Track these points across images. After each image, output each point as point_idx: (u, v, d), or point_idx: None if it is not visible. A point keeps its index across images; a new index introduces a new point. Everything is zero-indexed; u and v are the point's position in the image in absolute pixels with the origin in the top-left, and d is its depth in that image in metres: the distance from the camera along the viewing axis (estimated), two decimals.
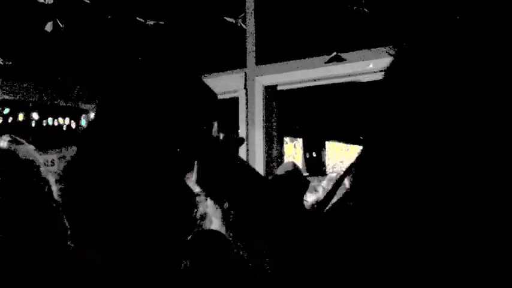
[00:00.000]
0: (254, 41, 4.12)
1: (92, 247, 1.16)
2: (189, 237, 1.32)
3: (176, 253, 1.25)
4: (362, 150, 0.87)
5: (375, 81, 3.81)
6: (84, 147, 1.21)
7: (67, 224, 1.02)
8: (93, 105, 1.29)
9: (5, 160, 0.75)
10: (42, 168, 0.77)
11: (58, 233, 0.80)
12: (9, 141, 0.78)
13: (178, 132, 1.14)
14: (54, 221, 0.79)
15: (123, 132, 1.24)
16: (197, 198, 1.51)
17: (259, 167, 3.94)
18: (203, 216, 3.48)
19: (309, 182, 3.25)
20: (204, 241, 1.38)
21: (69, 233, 1.06)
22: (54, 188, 0.79)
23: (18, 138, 0.79)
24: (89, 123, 1.29)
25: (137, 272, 1.16)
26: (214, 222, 3.58)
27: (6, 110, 5.21)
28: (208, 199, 3.15)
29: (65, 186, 1.15)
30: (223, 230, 3.30)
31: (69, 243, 0.98)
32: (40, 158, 0.79)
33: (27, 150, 0.78)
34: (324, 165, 8.00)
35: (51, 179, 0.79)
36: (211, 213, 3.52)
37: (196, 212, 1.41)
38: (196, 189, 1.36)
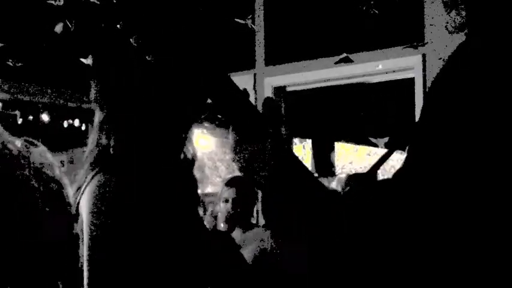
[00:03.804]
0: (263, 42, 4.13)
1: (103, 249, 1.16)
2: (202, 237, 1.33)
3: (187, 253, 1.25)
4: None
5: (383, 82, 3.80)
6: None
7: (78, 228, 1.02)
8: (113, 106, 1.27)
9: (20, 162, 0.75)
10: (57, 171, 0.78)
11: (70, 237, 0.81)
12: (24, 143, 0.79)
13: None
14: (69, 224, 0.80)
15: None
16: (211, 199, 1.51)
17: None
18: (216, 216, 3.46)
19: None
20: (215, 244, 1.38)
21: (80, 237, 1.06)
22: (70, 192, 0.80)
23: (33, 140, 0.79)
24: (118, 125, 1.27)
25: (148, 272, 1.16)
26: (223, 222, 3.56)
27: (16, 111, 5.23)
28: (221, 202, 3.12)
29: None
30: (238, 231, 3.25)
31: (80, 247, 0.98)
32: (55, 161, 0.79)
33: (41, 151, 0.78)
34: (333, 166, 7.98)
35: (66, 182, 0.79)
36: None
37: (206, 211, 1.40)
38: (208, 189, 1.35)
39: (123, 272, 1.13)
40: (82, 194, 1.15)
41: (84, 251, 1.05)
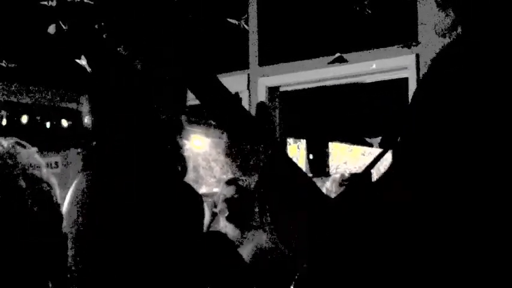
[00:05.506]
0: (257, 42, 4.12)
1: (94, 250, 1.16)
2: (200, 238, 1.33)
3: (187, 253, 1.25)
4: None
5: (378, 81, 3.80)
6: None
7: (67, 228, 1.02)
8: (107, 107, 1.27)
9: (6, 161, 0.75)
10: (44, 171, 0.78)
11: (60, 236, 0.80)
12: (11, 144, 0.78)
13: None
14: (56, 224, 0.80)
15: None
16: (205, 199, 1.51)
17: None
18: (214, 217, 3.47)
19: None
20: (211, 244, 1.38)
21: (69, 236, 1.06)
22: (57, 191, 0.79)
23: (21, 142, 0.79)
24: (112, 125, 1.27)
25: (145, 273, 1.16)
26: (222, 221, 3.62)
27: (10, 112, 5.21)
28: (220, 202, 3.13)
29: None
30: (236, 231, 3.27)
31: (69, 247, 0.98)
32: (42, 161, 0.79)
33: (29, 152, 0.78)
34: (328, 166, 7.99)
35: (54, 182, 0.79)
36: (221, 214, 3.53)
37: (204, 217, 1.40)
38: (203, 189, 1.35)
39: (111, 270, 1.13)
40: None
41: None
